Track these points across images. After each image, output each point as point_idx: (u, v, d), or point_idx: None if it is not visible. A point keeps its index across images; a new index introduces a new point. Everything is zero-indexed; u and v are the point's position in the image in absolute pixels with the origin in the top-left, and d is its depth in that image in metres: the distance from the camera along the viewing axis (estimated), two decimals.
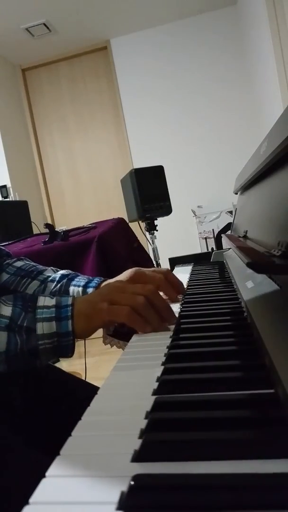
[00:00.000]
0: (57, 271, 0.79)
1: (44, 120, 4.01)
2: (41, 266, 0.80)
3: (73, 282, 0.72)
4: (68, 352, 0.50)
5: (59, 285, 0.73)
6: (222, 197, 3.40)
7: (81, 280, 0.72)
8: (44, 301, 0.52)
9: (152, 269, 0.67)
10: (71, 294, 0.71)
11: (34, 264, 0.81)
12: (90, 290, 0.69)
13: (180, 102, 3.67)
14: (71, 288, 0.71)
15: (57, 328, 0.49)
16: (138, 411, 0.29)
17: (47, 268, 0.79)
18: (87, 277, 0.74)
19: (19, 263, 0.80)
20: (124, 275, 0.64)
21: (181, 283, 0.68)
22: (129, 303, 0.50)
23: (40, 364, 0.50)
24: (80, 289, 0.70)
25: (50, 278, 0.75)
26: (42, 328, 0.49)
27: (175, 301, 0.64)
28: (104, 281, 0.71)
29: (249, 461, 0.22)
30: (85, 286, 0.71)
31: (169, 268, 1.16)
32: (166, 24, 3.61)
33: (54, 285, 0.74)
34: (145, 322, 0.50)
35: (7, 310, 0.50)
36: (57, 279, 0.74)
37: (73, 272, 0.77)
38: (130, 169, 2.11)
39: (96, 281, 0.71)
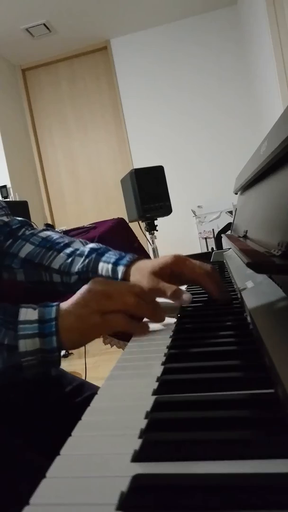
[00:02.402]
0: (86, 243, 0.72)
1: (44, 120, 4.01)
2: (68, 237, 0.74)
3: (103, 258, 0.66)
4: (55, 365, 0.47)
5: (87, 260, 0.67)
6: (222, 197, 3.40)
7: (111, 256, 0.66)
8: (26, 314, 0.47)
9: (196, 262, 0.60)
10: (100, 271, 0.66)
11: (61, 234, 0.75)
12: (120, 267, 0.64)
13: (180, 102, 3.67)
14: (101, 265, 0.66)
15: (41, 345, 0.45)
16: (138, 411, 0.29)
17: (75, 239, 0.73)
18: (118, 252, 0.67)
19: (45, 233, 0.74)
20: (164, 259, 0.60)
21: (222, 283, 0.61)
22: (120, 308, 0.47)
23: (25, 378, 0.47)
24: (110, 266, 0.65)
25: (78, 252, 0.69)
26: (25, 345, 0.45)
27: (217, 296, 0.58)
28: (137, 259, 0.65)
29: (249, 461, 0.22)
30: (116, 263, 0.64)
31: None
32: (166, 24, 3.61)
33: (82, 260, 0.67)
34: (142, 326, 0.49)
35: None
36: (85, 253, 0.68)
37: (104, 246, 0.70)
38: (130, 169, 2.11)
39: (128, 259, 0.64)
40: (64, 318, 0.47)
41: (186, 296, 0.55)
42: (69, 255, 0.69)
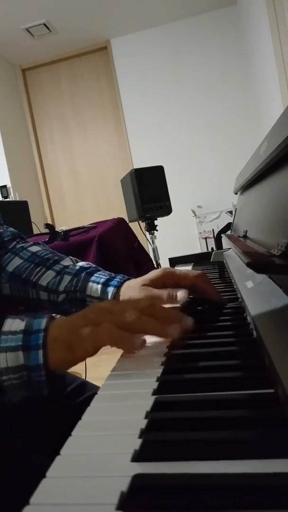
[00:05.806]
0: (77, 261, 0.71)
1: (44, 120, 4.01)
2: (59, 254, 0.73)
3: (92, 278, 0.64)
4: (43, 389, 0.40)
5: (76, 279, 0.65)
6: (222, 197, 3.40)
7: (101, 276, 0.64)
8: (12, 324, 0.41)
9: (184, 270, 0.59)
10: (88, 291, 0.63)
11: (52, 251, 0.73)
12: (110, 288, 0.61)
13: (180, 102, 3.67)
14: (89, 284, 0.63)
15: (25, 360, 0.38)
16: (138, 411, 0.29)
17: (65, 257, 0.71)
18: (108, 273, 0.65)
19: (35, 248, 0.73)
20: (154, 273, 0.58)
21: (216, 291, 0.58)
22: (118, 324, 0.40)
23: (10, 402, 0.40)
24: (99, 286, 0.62)
25: (67, 270, 0.67)
26: (5, 359, 0.38)
27: (216, 297, 0.56)
28: (127, 279, 0.62)
29: (249, 461, 0.22)
30: (105, 284, 0.62)
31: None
32: (166, 24, 3.61)
33: (70, 278, 0.65)
34: (131, 338, 0.40)
35: None
36: (74, 271, 0.66)
37: (94, 266, 0.68)
38: (130, 169, 2.11)
39: (118, 279, 0.62)
40: (54, 328, 0.41)
41: (181, 294, 0.51)
42: (58, 273, 0.67)
